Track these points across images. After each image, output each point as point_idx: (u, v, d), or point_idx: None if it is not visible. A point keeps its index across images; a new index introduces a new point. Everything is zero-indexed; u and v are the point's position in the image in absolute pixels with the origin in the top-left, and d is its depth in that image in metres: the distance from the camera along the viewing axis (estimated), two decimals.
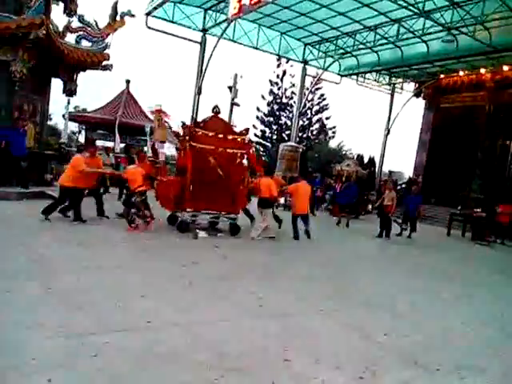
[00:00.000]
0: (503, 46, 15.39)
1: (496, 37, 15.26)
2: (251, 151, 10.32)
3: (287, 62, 34.12)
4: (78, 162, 8.84)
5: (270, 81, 38.37)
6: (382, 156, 24.07)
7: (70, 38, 14.41)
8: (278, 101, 38.69)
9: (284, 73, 37.72)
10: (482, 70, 18.85)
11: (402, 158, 33.64)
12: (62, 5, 14.70)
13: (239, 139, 9.85)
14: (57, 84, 14.84)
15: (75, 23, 14.55)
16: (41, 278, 4.96)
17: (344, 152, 40.32)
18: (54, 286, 4.73)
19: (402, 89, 23.86)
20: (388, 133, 23.54)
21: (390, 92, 23.95)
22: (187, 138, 9.36)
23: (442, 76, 20.95)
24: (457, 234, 15.37)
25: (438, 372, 3.74)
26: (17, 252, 5.96)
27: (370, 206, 19.85)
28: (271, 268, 7.24)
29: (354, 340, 4.30)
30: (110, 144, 24.05)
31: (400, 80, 23.25)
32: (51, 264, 5.63)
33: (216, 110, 9.65)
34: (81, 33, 14.41)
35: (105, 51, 14.63)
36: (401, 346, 4.25)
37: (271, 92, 38.58)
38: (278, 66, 37.33)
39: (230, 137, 9.68)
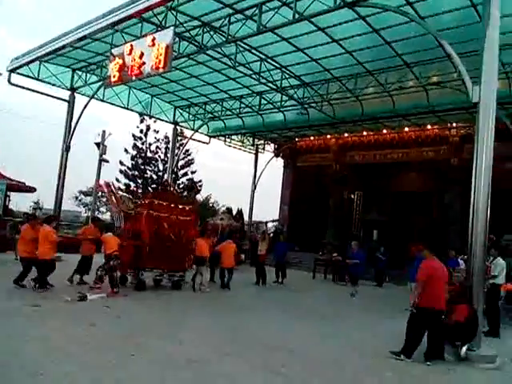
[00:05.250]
0: (343, 118, 18.85)
1: (338, 110, 18.62)
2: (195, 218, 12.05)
3: (150, 118, 34.60)
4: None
5: (134, 135, 38.29)
6: (251, 209, 26.08)
7: None
8: (143, 155, 38.68)
9: (148, 128, 38.09)
10: (328, 136, 22.55)
11: (267, 209, 36.63)
12: None
13: (187, 208, 11.47)
14: None
15: None
16: None
17: (211, 204, 41.98)
18: None
19: (264, 149, 26.63)
20: (255, 188, 25.80)
21: (254, 152, 26.51)
22: (145, 206, 10.85)
23: (296, 139, 24.25)
24: (320, 277, 17.53)
25: None
26: None
27: (242, 256, 21.19)
28: (173, 321, 7.82)
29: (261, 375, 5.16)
30: None
31: (262, 142, 26.01)
32: None
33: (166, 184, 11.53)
34: None
35: None
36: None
37: (135, 146, 38.43)
38: (142, 121, 37.54)
39: (180, 206, 11.38)
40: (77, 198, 41.95)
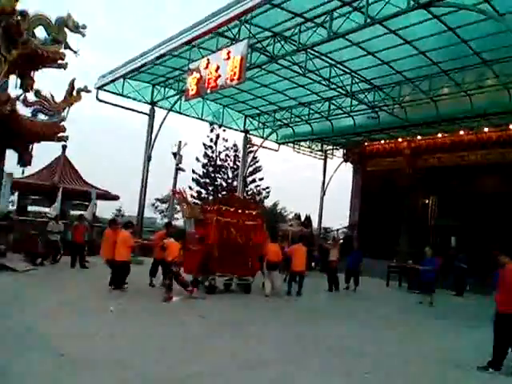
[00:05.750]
0: (416, 120, 18.33)
1: (410, 113, 18.17)
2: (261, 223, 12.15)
3: (220, 127, 35.70)
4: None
5: (204, 144, 39.78)
6: (320, 215, 26.06)
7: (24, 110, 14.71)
8: (213, 163, 40.06)
9: (217, 137, 39.40)
10: (400, 139, 22.02)
11: (336, 215, 36.27)
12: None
13: (253, 213, 11.69)
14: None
15: (30, 96, 14.94)
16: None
17: (278, 211, 42.40)
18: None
19: (332, 155, 26.57)
20: (324, 194, 25.78)
21: (322, 157, 26.53)
22: (213, 212, 11.18)
23: (366, 144, 23.93)
24: (394, 285, 17.03)
25: None
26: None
27: (313, 264, 21.15)
28: (249, 322, 8.11)
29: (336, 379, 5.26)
30: (46, 209, 23.53)
31: (330, 147, 25.97)
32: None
33: (232, 190, 11.37)
34: (37, 106, 14.79)
35: (61, 123, 15.04)
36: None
37: (206, 155, 39.91)
38: (212, 130, 38.90)
39: (247, 211, 11.59)
40: (153, 204, 44.23)
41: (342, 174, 26.45)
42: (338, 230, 25.49)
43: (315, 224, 27.19)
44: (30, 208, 23.76)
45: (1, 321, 6.41)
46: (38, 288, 9.95)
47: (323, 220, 26.56)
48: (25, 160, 14.50)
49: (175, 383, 4.66)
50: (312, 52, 14.87)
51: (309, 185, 68.56)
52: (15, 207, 21.52)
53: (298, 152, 25.90)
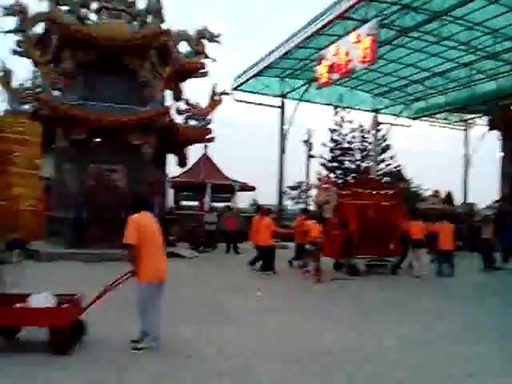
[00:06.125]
0: None
1: None
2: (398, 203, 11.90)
3: (344, 109, 35.14)
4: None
5: (330, 128, 39.66)
6: (464, 191, 24.30)
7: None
8: (340, 146, 39.76)
9: (342, 119, 38.94)
10: None
11: (481, 189, 33.06)
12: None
13: (390, 193, 11.62)
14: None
15: (181, 105, 17.04)
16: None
17: (413, 189, 40.26)
18: None
19: (473, 124, 24.46)
20: (467, 167, 23.95)
21: (461, 128, 24.60)
22: (349, 196, 11.27)
23: None
24: None
25: None
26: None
27: (460, 243, 19.83)
28: (407, 302, 8.10)
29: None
30: (194, 203, 26.41)
31: (470, 116, 23.92)
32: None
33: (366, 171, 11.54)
34: (187, 113, 16.80)
35: (208, 126, 16.85)
36: None
37: (332, 139, 39.80)
38: (336, 113, 38.58)
39: (382, 192, 11.46)
40: (284, 192, 45.79)
41: (486, 143, 24.12)
42: (488, 206, 23.34)
43: (458, 201, 25.38)
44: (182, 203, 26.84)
45: (193, 298, 7.65)
46: (205, 271, 11.41)
47: (468, 195, 24.68)
48: (182, 161, 16.69)
49: (360, 354, 4.91)
50: (446, 18, 14.05)
51: (445, 159, 63.15)
52: (173, 203, 24.55)
53: (433, 125, 24.47)
